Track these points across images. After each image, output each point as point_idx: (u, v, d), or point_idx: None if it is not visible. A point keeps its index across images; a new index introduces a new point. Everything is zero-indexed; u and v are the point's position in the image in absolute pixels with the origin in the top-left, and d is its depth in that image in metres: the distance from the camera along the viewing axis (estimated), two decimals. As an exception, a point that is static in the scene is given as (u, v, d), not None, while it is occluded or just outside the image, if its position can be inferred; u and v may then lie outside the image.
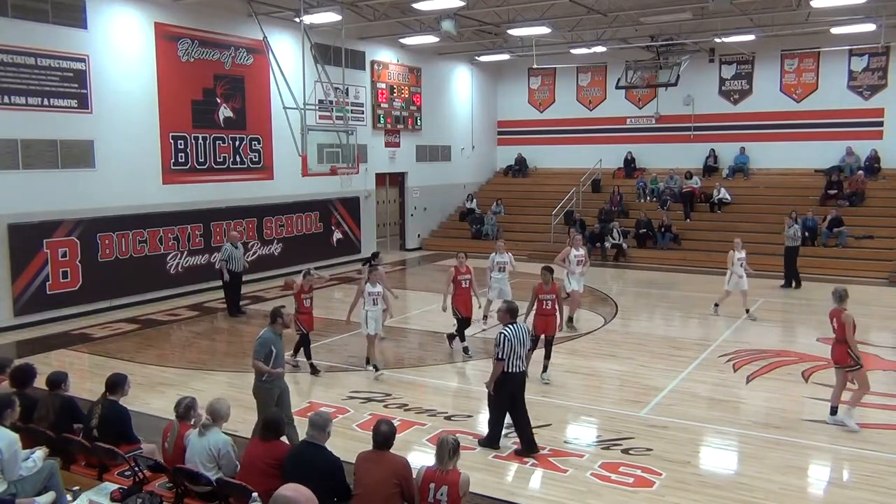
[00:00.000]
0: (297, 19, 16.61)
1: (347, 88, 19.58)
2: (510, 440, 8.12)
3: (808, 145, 22.72)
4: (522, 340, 7.69)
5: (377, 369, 10.39)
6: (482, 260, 21.75)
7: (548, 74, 26.71)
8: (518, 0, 17.77)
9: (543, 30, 19.43)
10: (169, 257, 16.05)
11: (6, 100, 13.16)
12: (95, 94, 14.47)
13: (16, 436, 5.69)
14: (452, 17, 17.33)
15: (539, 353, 10.08)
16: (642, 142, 25.37)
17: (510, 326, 7.66)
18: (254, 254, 17.77)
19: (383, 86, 22.25)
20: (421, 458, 7.06)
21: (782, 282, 17.30)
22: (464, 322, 11.54)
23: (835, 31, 19.77)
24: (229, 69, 17.31)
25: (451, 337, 11.83)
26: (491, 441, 7.89)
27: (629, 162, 25.39)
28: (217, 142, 17.15)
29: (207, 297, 16.05)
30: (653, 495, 6.85)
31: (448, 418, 8.81)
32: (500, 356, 7.57)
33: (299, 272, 11.50)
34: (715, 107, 24.10)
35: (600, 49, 22.68)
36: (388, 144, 22.86)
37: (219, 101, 17.14)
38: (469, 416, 8.97)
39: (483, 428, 8.54)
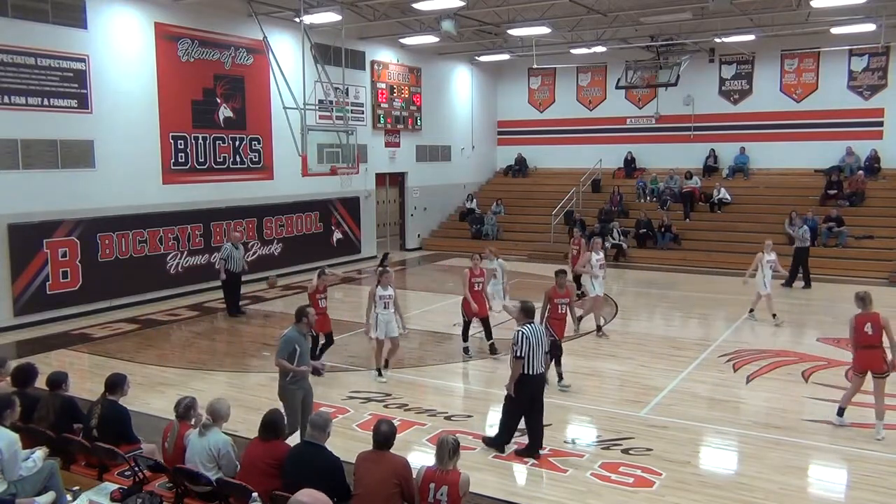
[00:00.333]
0: (297, 19, 16.60)
1: (347, 88, 19.58)
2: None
3: (808, 145, 22.72)
4: (539, 341, 7.53)
5: (380, 374, 10.33)
6: (482, 260, 21.90)
7: (548, 74, 26.71)
8: (518, 0, 17.77)
9: (543, 30, 19.42)
10: (169, 257, 16.05)
11: (6, 100, 13.16)
12: (95, 94, 14.47)
13: (16, 436, 5.69)
14: (452, 17, 17.33)
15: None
16: (642, 142, 25.36)
17: (527, 326, 7.53)
18: (254, 254, 17.77)
19: (383, 86, 22.25)
20: (421, 458, 7.06)
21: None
22: (469, 324, 11.53)
23: (835, 31, 19.77)
24: (229, 69, 17.31)
25: (491, 348, 11.53)
26: (498, 443, 7.75)
27: (629, 162, 25.39)
28: (217, 142, 17.15)
29: (207, 297, 16.04)
30: (653, 495, 6.85)
31: (448, 418, 8.81)
32: (518, 354, 7.40)
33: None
34: (715, 107, 24.09)
35: (600, 49, 22.68)
36: (388, 144, 22.87)
37: (219, 101, 17.14)
38: (469, 416, 8.96)
39: (483, 428, 8.56)
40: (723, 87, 24.06)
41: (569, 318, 10.10)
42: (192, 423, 6.10)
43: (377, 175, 22.46)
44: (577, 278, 16.02)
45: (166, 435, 6.25)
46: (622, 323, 13.97)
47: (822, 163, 22.36)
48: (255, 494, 5.32)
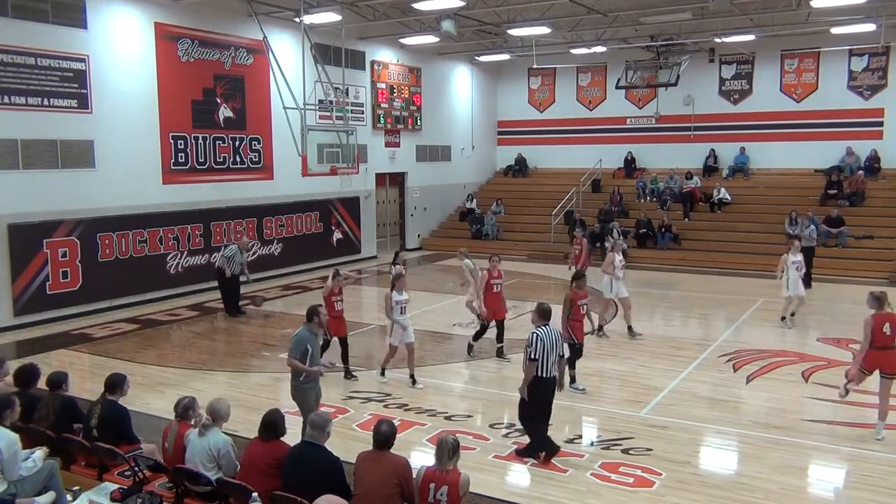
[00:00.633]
0: (297, 19, 16.61)
1: (347, 88, 19.58)
2: (510, 440, 8.13)
3: (808, 145, 22.72)
4: (554, 345, 7.41)
5: (383, 373, 10.28)
6: (483, 260, 21.81)
7: (548, 74, 26.71)
8: (518, 0, 17.77)
9: (543, 30, 19.42)
10: (169, 257, 16.05)
11: (6, 100, 13.16)
12: (95, 94, 14.47)
13: (16, 436, 5.69)
14: (452, 17, 17.32)
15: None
16: (642, 142, 25.36)
17: (542, 328, 7.42)
18: (254, 254, 17.75)
19: (383, 86, 22.25)
20: (421, 458, 7.06)
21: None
22: (486, 327, 11.39)
23: (835, 31, 19.77)
24: (229, 69, 17.31)
25: (499, 352, 11.40)
26: (535, 452, 7.53)
27: (629, 162, 25.38)
28: (217, 142, 17.15)
29: (207, 297, 16.04)
30: (653, 495, 6.85)
31: (448, 418, 8.81)
32: (532, 356, 7.30)
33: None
34: (715, 107, 24.09)
35: (600, 49, 22.68)
36: (388, 144, 22.87)
37: (219, 101, 17.14)
38: (469, 416, 8.97)
39: (483, 428, 8.56)
40: (723, 87, 24.06)
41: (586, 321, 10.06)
42: (192, 423, 6.10)
43: (377, 175, 22.46)
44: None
45: (166, 435, 6.25)
46: (622, 323, 13.94)
47: (822, 163, 22.36)
48: (255, 494, 5.32)
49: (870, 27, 18.75)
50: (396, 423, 6.16)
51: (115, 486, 5.83)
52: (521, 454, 7.67)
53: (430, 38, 20.83)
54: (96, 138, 14.55)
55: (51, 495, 5.63)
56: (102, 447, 6.17)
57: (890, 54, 21.53)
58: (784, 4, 17.80)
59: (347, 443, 7.23)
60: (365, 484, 5.30)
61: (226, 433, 6.01)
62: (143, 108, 15.47)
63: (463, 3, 16.19)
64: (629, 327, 12.61)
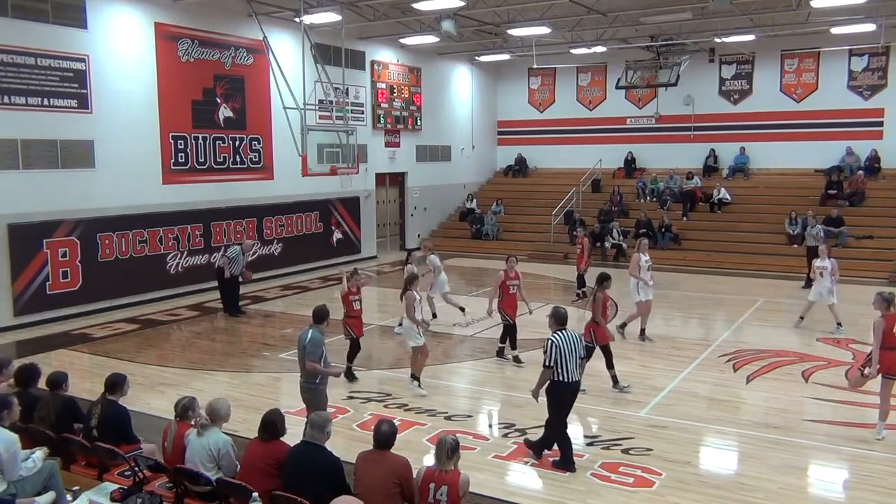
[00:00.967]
0: (297, 19, 16.61)
1: (347, 88, 19.58)
2: (510, 440, 8.13)
3: (808, 145, 22.72)
4: (574, 348, 7.28)
5: (419, 382, 9.77)
6: (482, 260, 21.96)
7: (548, 74, 26.71)
8: (518, 0, 17.76)
9: (543, 30, 19.42)
10: (169, 257, 16.04)
11: (6, 100, 13.15)
12: (95, 94, 14.47)
13: (15, 436, 5.68)
14: (452, 17, 17.32)
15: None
16: (642, 142, 25.36)
17: (559, 333, 7.28)
18: (254, 254, 17.74)
19: (383, 86, 22.25)
20: (421, 458, 7.06)
21: (802, 283, 17.28)
22: (511, 327, 11.11)
23: (835, 31, 19.78)
24: (229, 69, 17.31)
25: (500, 351, 11.26)
26: (566, 462, 7.35)
27: (629, 162, 25.38)
28: (217, 142, 17.15)
29: (207, 297, 16.03)
30: (653, 495, 6.85)
31: (448, 418, 8.81)
32: (547, 363, 7.19)
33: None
34: (715, 107, 24.09)
35: (600, 49, 22.68)
36: (388, 144, 22.86)
37: (219, 101, 17.14)
38: (469, 416, 8.97)
39: (483, 428, 8.57)
40: (723, 87, 24.06)
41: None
42: (192, 423, 6.10)
43: (377, 175, 22.45)
44: (580, 278, 16.03)
45: (166, 435, 6.25)
46: (622, 323, 13.95)
47: (822, 163, 22.36)
48: (255, 494, 5.32)
49: (870, 27, 18.75)
50: (396, 423, 6.16)
51: (115, 486, 5.83)
52: (528, 445, 7.59)
53: (430, 38, 20.83)
54: (96, 138, 14.55)
55: (51, 495, 5.63)
56: (102, 447, 6.17)
57: (890, 54, 21.53)
58: (784, 4, 17.80)
59: (347, 443, 7.24)
60: (365, 484, 5.30)
61: (226, 433, 6.01)
62: (143, 108, 15.47)
63: (463, 3, 16.19)
64: (642, 330, 12.34)
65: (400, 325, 11.22)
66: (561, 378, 7.23)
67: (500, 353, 11.28)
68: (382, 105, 22.23)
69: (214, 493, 5.65)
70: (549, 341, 7.26)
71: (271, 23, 17.64)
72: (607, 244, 21.57)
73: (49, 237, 13.78)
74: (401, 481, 5.26)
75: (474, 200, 25.79)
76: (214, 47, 16.92)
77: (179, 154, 16.31)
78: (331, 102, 17.59)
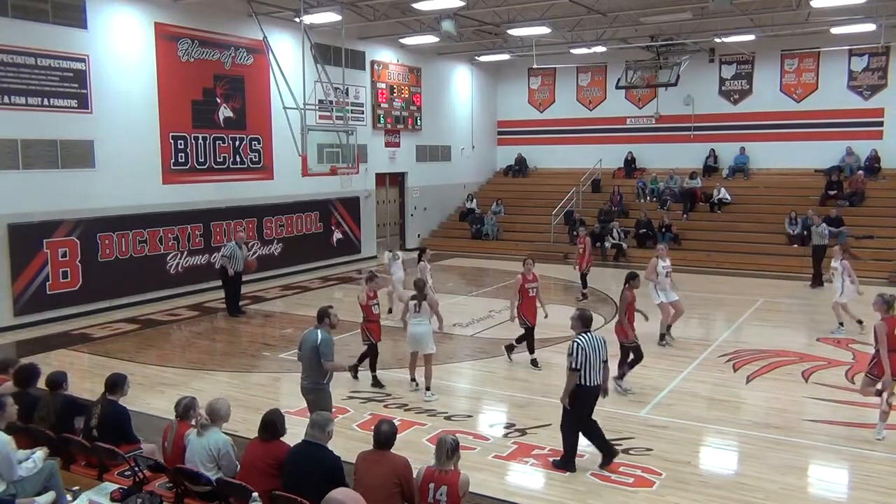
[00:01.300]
0: (297, 19, 16.61)
1: (347, 88, 19.58)
2: (510, 440, 8.13)
3: (808, 145, 22.72)
4: (597, 351, 7.19)
5: (428, 388, 9.58)
6: (482, 260, 21.97)
7: (548, 74, 26.71)
8: (518, 0, 17.77)
9: (543, 30, 19.42)
10: (169, 257, 16.04)
11: (6, 100, 13.15)
12: (95, 94, 14.47)
13: (8, 437, 5.67)
14: (452, 17, 17.32)
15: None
16: (642, 142, 25.36)
17: (583, 336, 7.20)
18: (254, 254, 17.75)
19: (383, 86, 22.25)
20: (421, 458, 7.05)
21: (809, 282, 17.32)
22: (531, 331, 10.88)
23: (835, 31, 19.77)
24: (229, 69, 17.31)
25: (509, 348, 11.11)
26: (567, 463, 7.34)
27: (629, 162, 25.38)
28: (217, 142, 17.15)
29: (207, 297, 16.04)
30: (653, 495, 6.85)
31: (448, 418, 8.81)
32: (574, 366, 7.07)
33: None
34: (715, 107, 24.09)
35: (600, 49, 22.68)
36: (388, 144, 22.86)
37: (219, 101, 17.14)
38: (469, 416, 8.96)
39: (483, 428, 8.56)
40: (723, 87, 24.06)
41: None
42: (192, 423, 6.10)
43: (377, 175, 22.45)
44: (583, 277, 16.02)
45: (166, 435, 6.26)
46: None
47: (822, 163, 22.36)
48: (255, 494, 5.32)
49: (870, 27, 18.75)
50: (397, 423, 6.16)
51: (115, 486, 5.83)
52: (557, 466, 7.41)
53: (430, 38, 20.83)
54: (96, 138, 14.54)
55: (51, 495, 5.63)
56: (102, 447, 6.17)
57: (890, 54, 21.53)
58: (784, 4, 17.80)
59: (347, 443, 7.23)
60: (365, 484, 5.30)
61: (226, 433, 6.01)
62: (143, 108, 15.47)
63: (463, 3, 16.19)
64: (661, 334, 12.18)
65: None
66: (583, 381, 7.14)
67: (509, 350, 11.05)
68: (382, 105, 22.23)
69: (214, 493, 5.65)
70: (575, 344, 7.15)
71: (271, 23, 17.64)
72: (607, 244, 21.57)
73: (49, 237, 13.78)
74: (401, 481, 5.26)
75: (474, 200, 25.79)
76: (214, 47, 16.91)
77: (179, 154, 16.31)
78: (331, 102, 17.59)
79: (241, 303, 15.01)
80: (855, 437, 8.13)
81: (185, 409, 6.19)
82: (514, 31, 19.98)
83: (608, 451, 7.39)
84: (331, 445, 5.58)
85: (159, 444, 6.41)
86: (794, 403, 9.31)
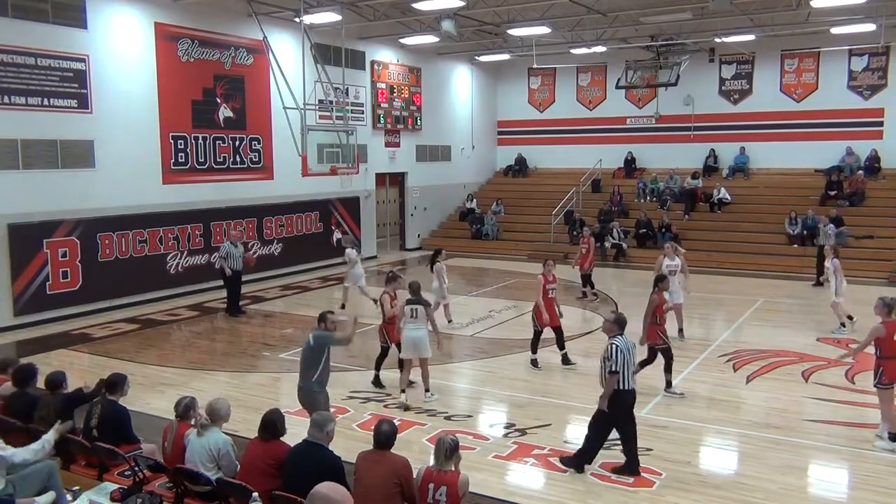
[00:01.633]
0: (297, 19, 16.61)
1: (347, 88, 19.57)
2: (510, 440, 8.13)
3: (808, 145, 22.72)
4: (632, 354, 7.16)
5: (429, 393, 9.52)
6: (483, 259, 21.98)
7: (548, 74, 26.71)
8: (518, 0, 17.77)
9: (543, 30, 19.43)
10: (169, 257, 16.04)
11: (6, 100, 13.15)
12: (95, 94, 14.47)
13: None
14: (452, 17, 17.32)
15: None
16: (642, 142, 25.36)
17: (619, 338, 7.14)
18: (254, 254, 17.75)
19: (383, 86, 22.25)
20: (421, 458, 7.06)
21: (812, 282, 17.30)
22: (540, 333, 10.77)
23: (835, 31, 19.77)
24: (229, 69, 17.30)
25: (564, 359, 10.87)
26: (578, 462, 7.27)
27: (629, 162, 25.38)
28: (217, 142, 17.14)
29: (207, 297, 16.04)
30: (653, 495, 6.85)
31: (448, 418, 8.80)
32: (613, 369, 7.00)
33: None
34: (715, 107, 24.09)
35: (600, 49, 22.68)
36: (388, 144, 22.86)
37: (219, 101, 17.14)
38: (469, 416, 8.96)
39: (483, 428, 8.56)
40: (723, 87, 24.06)
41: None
42: (192, 422, 6.10)
43: (377, 175, 22.45)
44: (586, 277, 15.99)
45: (166, 435, 6.26)
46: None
47: (822, 163, 22.36)
48: (255, 494, 5.32)
49: (870, 27, 18.74)
50: (397, 423, 6.15)
51: (115, 486, 5.83)
52: (566, 463, 7.36)
53: (430, 38, 20.83)
54: (96, 138, 14.54)
55: (50, 495, 5.63)
56: (102, 447, 6.17)
57: (890, 54, 21.53)
58: (784, 4, 17.80)
59: (347, 443, 7.22)
60: (365, 484, 5.30)
61: (226, 433, 6.01)
62: (143, 108, 15.47)
63: (463, 3, 16.19)
64: (680, 330, 12.25)
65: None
66: (622, 385, 7.06)
67: (566, 360, 10.84)
68: (382, 105, 22.23)
69: (214, 493, 5.65)
70: (613, 346, 7.09)
71: (271, 23, 17.63)
72: (607, 244, 21.57)
73: (49, 237, 13.78)
74: (401, 481, 5.26)
75: (474, 200, 25.79)
76: (214, 47, 16.91)
77: (179, 154, 16.31)
78: (331, 102, 17.59)
79: (241, 303, 15.01)
80: (855, 437, 8.13)
81: (185, 409, 6.19)
82: (514, 31, 19.98)
83: (633, 462, 7.26)
84: (331, 445, 5.58)
85: (159, 444, 6.41)
86: (794, 403, 9.31)
